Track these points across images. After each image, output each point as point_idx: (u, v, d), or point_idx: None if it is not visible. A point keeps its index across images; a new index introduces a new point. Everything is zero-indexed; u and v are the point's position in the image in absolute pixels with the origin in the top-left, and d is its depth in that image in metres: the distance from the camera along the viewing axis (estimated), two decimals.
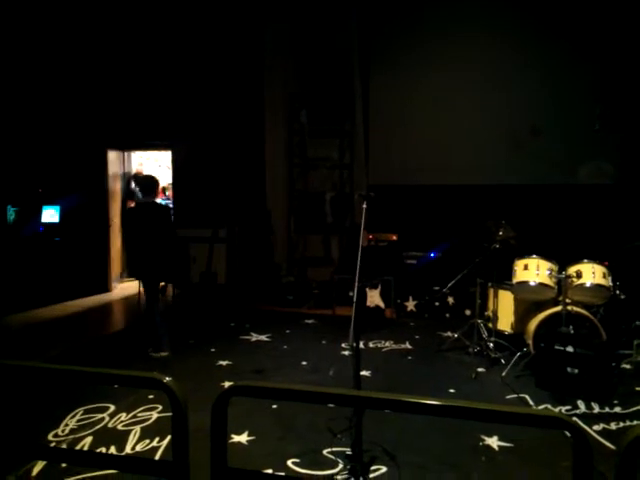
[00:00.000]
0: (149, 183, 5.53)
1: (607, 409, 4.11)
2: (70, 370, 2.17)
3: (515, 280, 5.17)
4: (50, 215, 8.43)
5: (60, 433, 3.68)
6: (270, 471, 3.18)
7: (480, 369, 5.00)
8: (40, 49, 8.13)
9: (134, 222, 5.49)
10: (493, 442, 3.57)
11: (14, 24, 7.81)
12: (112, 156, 8.99)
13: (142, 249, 5.33)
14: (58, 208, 8.44)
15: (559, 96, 7.34)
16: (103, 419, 3.91)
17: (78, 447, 3.48)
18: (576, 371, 4.37)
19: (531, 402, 4.29)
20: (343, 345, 5.67)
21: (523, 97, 7.48)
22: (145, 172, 9.49)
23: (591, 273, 4.89)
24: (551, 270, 5.00)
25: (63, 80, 8.42)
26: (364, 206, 3.57)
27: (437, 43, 7.81)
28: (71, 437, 3.62)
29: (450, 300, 6.98)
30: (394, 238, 7.47)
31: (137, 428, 3.77)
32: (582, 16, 7.16)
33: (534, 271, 5.03)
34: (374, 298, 6.71)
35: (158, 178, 5.76)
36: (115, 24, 8.49)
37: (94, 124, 8.68)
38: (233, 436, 3.61)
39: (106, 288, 8.70)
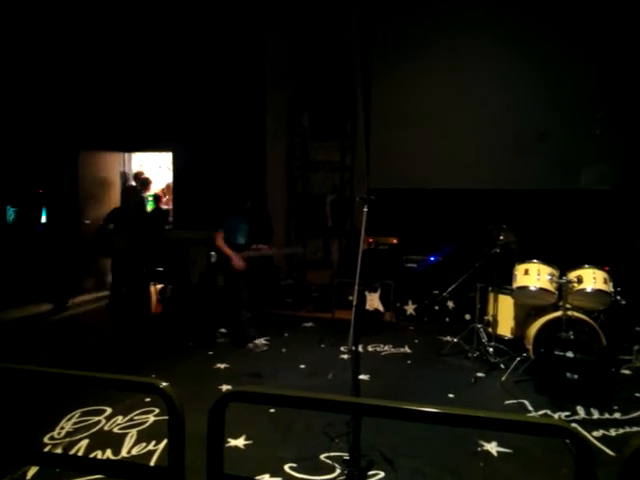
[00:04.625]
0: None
1: (607, 415, 4.08)
2: (67, 374, 2.14)
3: (515, 285, 5.14)
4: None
5: (56, 436, 3.66)
6: (267, 476, 3.15)
7: (480, 374, 4.97)
8: (43, 51, 8.13)
9: None
10: (492, 448, 3.54)
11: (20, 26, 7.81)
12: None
13: None
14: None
15: (561, 100, 7.31)
16: (99, 422, 3.88)
17: (74, 450, 3.45)
18: (576, 376, 4.34)
19: (530, 407, 4.26)
20: (342, 349, 5.65)
21: (525, 101, 7.46)
22: (146, 174, 9.48)
23: (592, 278, 4.87)
24: (552, 275, 4.98)
25: (64, 82, 8.41)
26: (365, 209, 3.55)
27: (440, 47, 7.79)
28: (67, 440, 3.59)
29: (450, 304, 6.95)
30: (394, 242, 7.44)
31: (134, 431, 3.74)
32: (585, 20, 7.14)
33: (535, 276, 5.01)
34: (374, 302, 6.67)
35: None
36: (118, 28, 8.50)
37: (92, 125, 8.66)
38: (230, 440, 3.58)
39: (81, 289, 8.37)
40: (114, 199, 9.19)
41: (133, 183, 9.20)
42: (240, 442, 3.59)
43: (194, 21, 8.50)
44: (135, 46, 8.63)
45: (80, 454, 3.39)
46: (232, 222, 5.84)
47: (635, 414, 4.10)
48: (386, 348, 5.85)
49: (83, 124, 8.59)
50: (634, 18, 6.93)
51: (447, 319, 6.95)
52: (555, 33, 7.30)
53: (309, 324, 6.86)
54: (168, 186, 9.53)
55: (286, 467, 3.28)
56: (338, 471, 3.22)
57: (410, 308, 7.13)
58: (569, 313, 4.75)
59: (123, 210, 6.69)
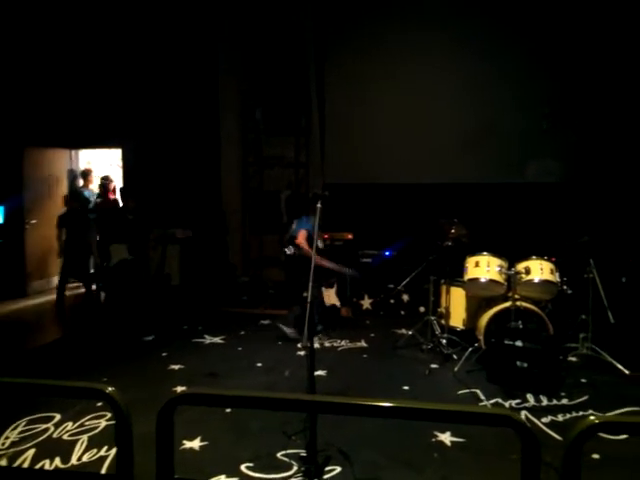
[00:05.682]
0: None
1: (555, 401, 4.22)
2: (8, 382, 2.05)
3: (467, 277, 5.25)
4: None
5: (0, 446, 3.50)
6: (223, 477, 3.12)
7: (433, 365, 5.07)
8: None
9: None
10: (446, 438, 3.61)
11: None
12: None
13: None
14: (2, 208, 8.05)
15: (511, 97, 7.51)
16: (48, 429, 3.74)
17: (19, 461, 3.31)
18: (525, 365, 4.47)
19: (482, 397, 4.36)
20: (299, 345, 5.64)
21: (476, 97, 7.62)
22: (95, 171, 9.17)
23: (539, 269, 5.02)
24: (501, 267, 5.10)
25: (6, 75, 8.05)
26: (319, 205, 3.55)
27: (392, 43, 7.85)
28: (12, 450, 3.44)
29: (405, 297, 7.05)
30: (350, 237, 7.48)
31: (84, 437, 3.62)
32: (533, 17, 7.35)
33: (485, 268, 5.13)
34: (330, 297, 6.69)
35: None
36: (64, 20, 8.19)
37: (37, 121, 8.32)
38: (185, 442, 3.51)
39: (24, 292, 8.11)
40: (60, 198, 8.86)
41: (81, 182, 8.90)
42: (196, 444, 3.53)
43: (143, 15, 8.27)
44: (81, 39, 8.33)
45: (26, 465, 3.25)
46: (309, 223, 5.64)
47: (581, 399, 4.26)
48: (342, 343, 5.87)
49: (27, 119, 8.23)
50: (582, 15, 7.18)
51: (402, 312, 7.05)
52: (504, 31, 7.49)
53: (266, 321, 6.82)
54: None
55: (242, 467, 3.24)
56: (295, 468, 3.21)
57: (366, 302, 7.19)
58: (518, 303, 4.89)
59: (120, 216, 6.15)
